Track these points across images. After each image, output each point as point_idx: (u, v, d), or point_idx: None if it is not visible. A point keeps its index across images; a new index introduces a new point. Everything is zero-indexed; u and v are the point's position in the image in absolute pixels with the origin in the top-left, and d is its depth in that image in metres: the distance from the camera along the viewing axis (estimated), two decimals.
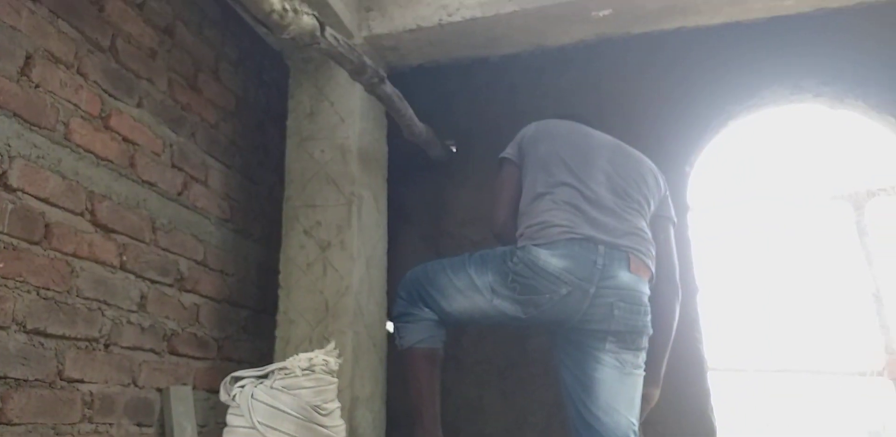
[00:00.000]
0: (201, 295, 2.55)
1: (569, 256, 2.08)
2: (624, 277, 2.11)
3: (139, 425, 2.19)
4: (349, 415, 2.36)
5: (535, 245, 2.12)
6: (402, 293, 2.31)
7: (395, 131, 2.91)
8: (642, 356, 2.17)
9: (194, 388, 2.44)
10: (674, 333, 2.36)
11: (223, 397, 1.41)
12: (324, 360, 1.43)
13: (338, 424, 1.42)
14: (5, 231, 1.75)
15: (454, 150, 3.27)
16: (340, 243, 2.54)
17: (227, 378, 1.41)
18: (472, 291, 2.18)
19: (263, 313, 2.90)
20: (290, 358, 1.43)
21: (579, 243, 2.09)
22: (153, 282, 2.29)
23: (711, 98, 3.21)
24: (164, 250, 2.36)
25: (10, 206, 1.77)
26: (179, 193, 2.46)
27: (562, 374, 2.21)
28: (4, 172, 1.75)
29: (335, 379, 1.44)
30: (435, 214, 3.36)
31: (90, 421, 2.00)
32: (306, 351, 2.41)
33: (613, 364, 2.10)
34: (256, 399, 1.34)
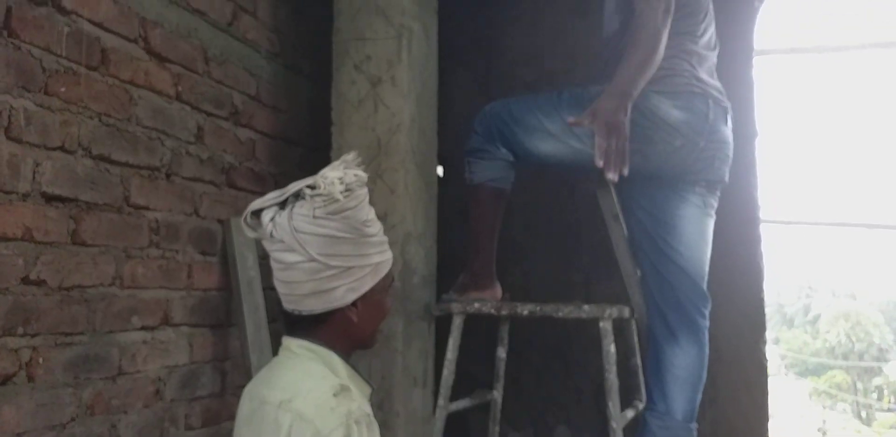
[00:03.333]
0: (256, 130, 2.55)
1: (688, 109, 2.06)
2: (725, 131, 2.15)
3: (203, 253, 2.28)
4: (402, 249, 2.42)
5: (656, 92, 2.04)
6: (478, 128, 2.27)
7: None
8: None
9: None
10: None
11: (249, 233, 1.37)
12: (354, 175, 1.36)
13: (379, 227, 1.42)
14: (64, 55, 1.73)
15: None
16: (391, 78, 2.49)
17: (247, 213, 1.35)
18: (567, 135, 2.11)
19: (316, 151, 2.91)
20: (318, 180, 1.33)
21: (698, 97, 2.08)
22: (209, 114, 2.29)
23: None
24: (217, 82, 2.33)
25: (66, 29, 1.73)
26: (230, 24, 2.40)
27: (636, 215, 2.22)
28: None
29: (366, 188, 1.39)
30: (485, 54, 3.26)
31: (157, 246, 2.08)
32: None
33: (698, 205, 2.18)
34: (303, 232, 1.30)
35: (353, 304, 1.36)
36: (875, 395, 39.08)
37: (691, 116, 2.07)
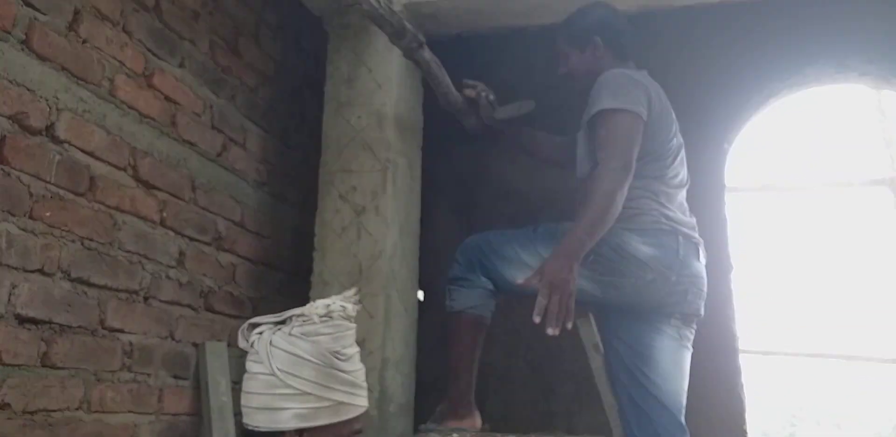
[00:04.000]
0: (238, 255, 2.60)
1: (658, 245, 2.12)
2: (697, 265, 2.20)
3: (176, 377, 2.25)
4: (380, 376, 2.40)
5: (626, 229, 2.11)
6: (460, 259, 2.31)
7: (430, 101, 2.92)
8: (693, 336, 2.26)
9: (229, 345, 2.50)
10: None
11: (241, 343, 1.44)
12: (341, 306, 1.43)
13: (357, 368, 1.44)
14: (52, 181, 1.80)
15: (488, 122, 3.27)
16: (375, 208, 2.57)
17: (245, 325, 1.44)
18: None
19: (297, 276, 2.95)
20: (308, 305, 1.44)
21: (667, 234, 2.14)
22: (192, 239, 2.34)
23: (754, 74, 3.17)
24: (202, 208, 2.40)
25: (58, 157, 1.82)
26: (219, 155, 2.51)
27: (614, 346, 2.23)
28: (52, 124, 1.80)
29: (353, 325, 1.45)
30: (468, 187, 3.37)
31: (129, 370, 2.06)
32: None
33: (674, 337, 2.19)
34: (275, 346, 1.36)
35: (300, 434, 1.35)
36: None
37: (660, 251, 2.12)
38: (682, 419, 2.18)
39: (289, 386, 1.34)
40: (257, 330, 1.42)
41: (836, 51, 3.15)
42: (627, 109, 2.10)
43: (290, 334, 1.38)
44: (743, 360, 2.91)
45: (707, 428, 2.31)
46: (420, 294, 3.06)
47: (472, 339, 2.32)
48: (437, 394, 3.03)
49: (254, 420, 1.36)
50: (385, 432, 2.38)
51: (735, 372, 2.85)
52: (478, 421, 2.36)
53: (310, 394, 1.35)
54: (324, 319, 1.40)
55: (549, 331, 1.92)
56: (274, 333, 1.39)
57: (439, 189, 3.33)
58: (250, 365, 1.39)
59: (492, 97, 2.61)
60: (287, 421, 1.34)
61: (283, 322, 1.43)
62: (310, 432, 1.36)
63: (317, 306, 1.43)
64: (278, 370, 1.34)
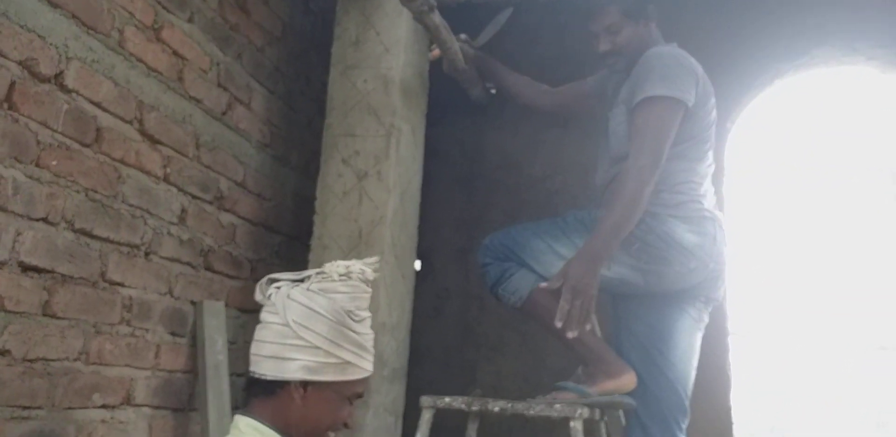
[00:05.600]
0: (238, 216, 2.60)
1: (701, 233, 2.13)
2: (726, 251, 2.21)
3: (173, 334, 2.26)
4: (375, 340, 2.41)
5: (673, 217, 2.11)
6: (486, 259, 2.24)
7: (435, 70, 2.90)
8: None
9: (226, 305, 2.50)
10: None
11: (258, 296, 1.46)
12: (361, 269, 1.46)
13: (368, 332, 1.47)
14: (60, 130, 1.79)
15: (493, 92, 3.26)
16: (377, 173, 2.56)
17: (264, 279, 1.46)
18: None
19: (296, 240, 2.95)
20: (329, 264, 1.46)
21: (708, 221, 2.15)
22: (194, 197, 2.34)
23: (761, 54, 3.15)
24: (206, 167, 2.39)
25: (66, 106, 1.80)
26: (223, 113, 2.49)
27: (631, 329, 2.23)
28: (61, 72, 1.78)
29: (370, 289, 1.48)
30: (469, 156, 3.36)
31: (128, 324, 2.06)
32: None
33: (695, 318, 2.22)
34: (292, 299, 1.39)
35: (304, 387, 1.37)
36: None
37: (703, 239, 2.13)
38: (688, 403, 2.20)
39: (300, 338, 1.36)
40: (276, 284, 1.44)
41: (845, 34, 3.13)
42: (675, 96, 2.08)
43: (307, 289, 1.41)
44: (732, 341, 2.93)
45: (693, 405, 2.33)
46: (417, 264, 3.06)
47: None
48: (429, 362, 3.07)
49: (261, 368, 1.38)
50: (378, 394, 2.40)
51: (724, 352, 2.87)
52: (634, 378, 2.16)
53: (319, 348, 1.36)
54: (342, 278, 1.44)
55: (569, 335, 1.95)
56: (292, 288, 1.41)
57: (440, 158, 3.32)
58: (265, 315, 1.42)
59: (462, 36, 2.68)
60: (294, 372, 1.36)
61: (301, 281, 1.45)
62: (314, 386, 1.37)
63: (337, 266, 1.46)
64: (292, 321, 1.36)
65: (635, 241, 2.11)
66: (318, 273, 1.45)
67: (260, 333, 1.41)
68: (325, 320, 1.39)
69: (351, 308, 1.43)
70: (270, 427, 1.37)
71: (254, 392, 1.40)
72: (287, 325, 1.37)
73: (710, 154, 2.26)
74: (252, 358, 1.40)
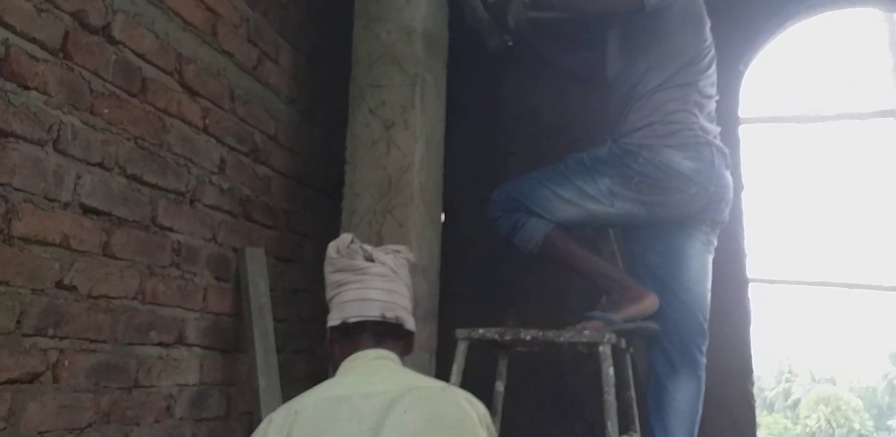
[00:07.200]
0: (272, 168, 2.70)
1: (698, 158, 2.21)
2: (727, 174, 2.29)
3: (218, 278, 2.38)
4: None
5: (668, 146, 2.20)
6: (496, 213, 2.34)
7: (452, 20, 2.96)
8: None
9: (266, 253, 2.61)
10: None
11: (332, 252, 1.68)
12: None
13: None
14: (109, 80, 1.88)
15: (510, 44, 3.33)
16: (404, 122, 2.65)
17: (346, 240, 1.68)
18: (584, 199, 2.22)
19: (325, 193, 3.05)
20: (391, 246, 1.75)
21: (704, 146, 2.23)
22: (231, 148, 2.44)
23: None
24: (241, 119, 2.49)
25: (114, 57, 1.90)
26: (254, 68, 2.58)
27: (644, 259, 2.33)
28: (108, 24, 1.87)
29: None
30: (488, 107, 3.44)
31: (178, 267, 2.18)
32: (370, 222, 2.59)
33: (703, 241, 2.32)
34: (403, 266, 1.72)
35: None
36: None
37: (701, 164, 2.21)
38: (706, 325, 2.31)
39: (411, 300, 1.68)
40: (364, 246, 1.65)
41: None
42: None
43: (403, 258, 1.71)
44: (751, 289, 3.02)
45: (714, 340, 2.42)
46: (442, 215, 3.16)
47: (577, 244, 2.29)
48: (460, 301, 3.18)
49: (398, 315, 1.60)
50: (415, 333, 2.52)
51: (743, 287, 2.97)
52: (656, 299, 2.23)
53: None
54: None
55: None
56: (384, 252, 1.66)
57: (461, 107, 3.39)
58: (380, 269, 1.62)
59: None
60: (413, 325, 1.65)
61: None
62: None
63: (409, 249, 1.75)
64: (405, 285, 1.67)
65: (634, 175, 2.19)
66: (393, 250, 1.69)
67: (390, 284, 1.60)
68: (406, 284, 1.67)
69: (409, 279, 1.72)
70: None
71: (389, 335, 1.58)
72: (409, 286, 1.64)
73: (707, 81, 2.32)
74: (386, 304, 1.58)
